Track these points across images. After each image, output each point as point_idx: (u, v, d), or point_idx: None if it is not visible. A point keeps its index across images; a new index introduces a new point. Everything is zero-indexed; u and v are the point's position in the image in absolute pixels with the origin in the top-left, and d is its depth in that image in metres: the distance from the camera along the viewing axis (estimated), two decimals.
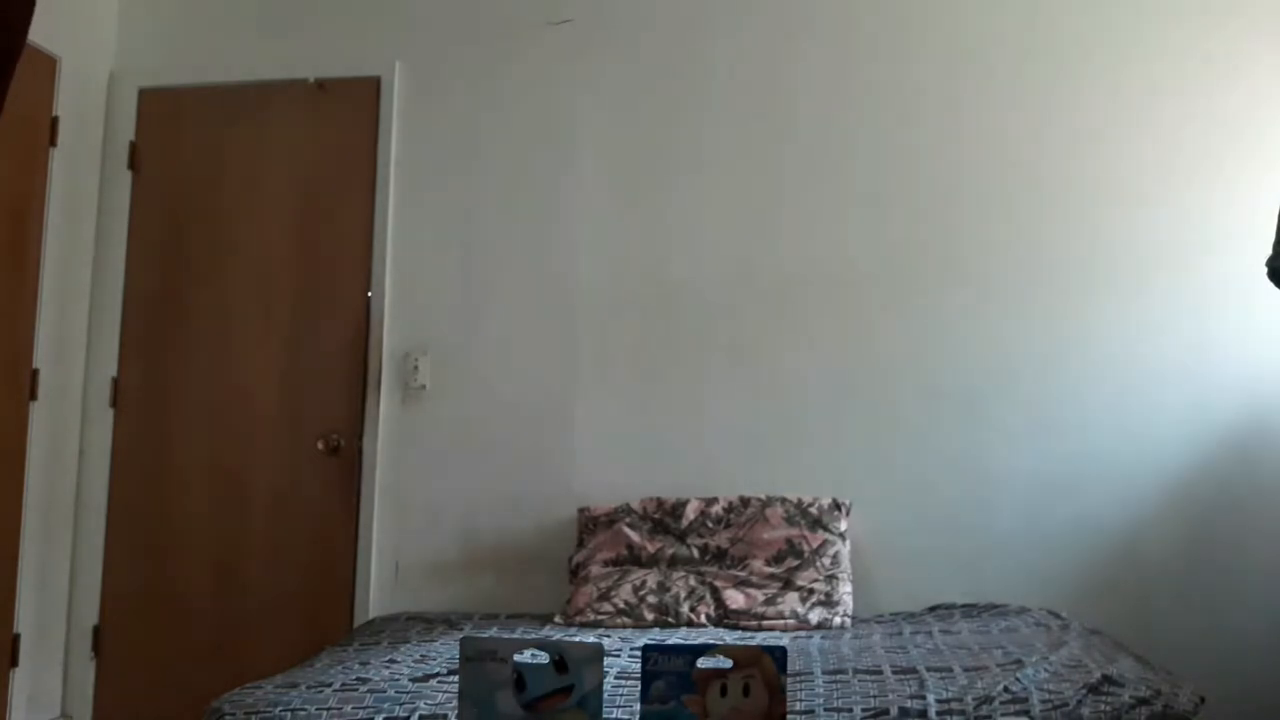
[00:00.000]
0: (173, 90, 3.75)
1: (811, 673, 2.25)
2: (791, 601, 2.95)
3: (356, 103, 3.64)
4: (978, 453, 3.25)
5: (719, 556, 3.13)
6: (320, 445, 3.50)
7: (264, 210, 3.64)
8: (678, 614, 2.95)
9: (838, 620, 2.91)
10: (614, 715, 1.98)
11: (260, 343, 3.58)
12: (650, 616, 2.96)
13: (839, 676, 2.22)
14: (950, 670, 2.24)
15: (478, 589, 3.38)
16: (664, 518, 3.23)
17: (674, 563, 3.13)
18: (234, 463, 3.54)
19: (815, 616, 2.92)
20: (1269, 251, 2.21)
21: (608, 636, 2.75)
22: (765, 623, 2.91)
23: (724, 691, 1.00)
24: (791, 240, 3.41)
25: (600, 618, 2.98)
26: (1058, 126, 3.34)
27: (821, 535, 3.11)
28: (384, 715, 2.04)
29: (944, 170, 3.37)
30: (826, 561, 3.05)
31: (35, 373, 3.42)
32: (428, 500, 3.45)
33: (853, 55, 3.46)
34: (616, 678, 2.18)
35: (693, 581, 3.06)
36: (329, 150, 3.64)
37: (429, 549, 3.43)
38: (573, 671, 0.99)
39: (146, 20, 3.79)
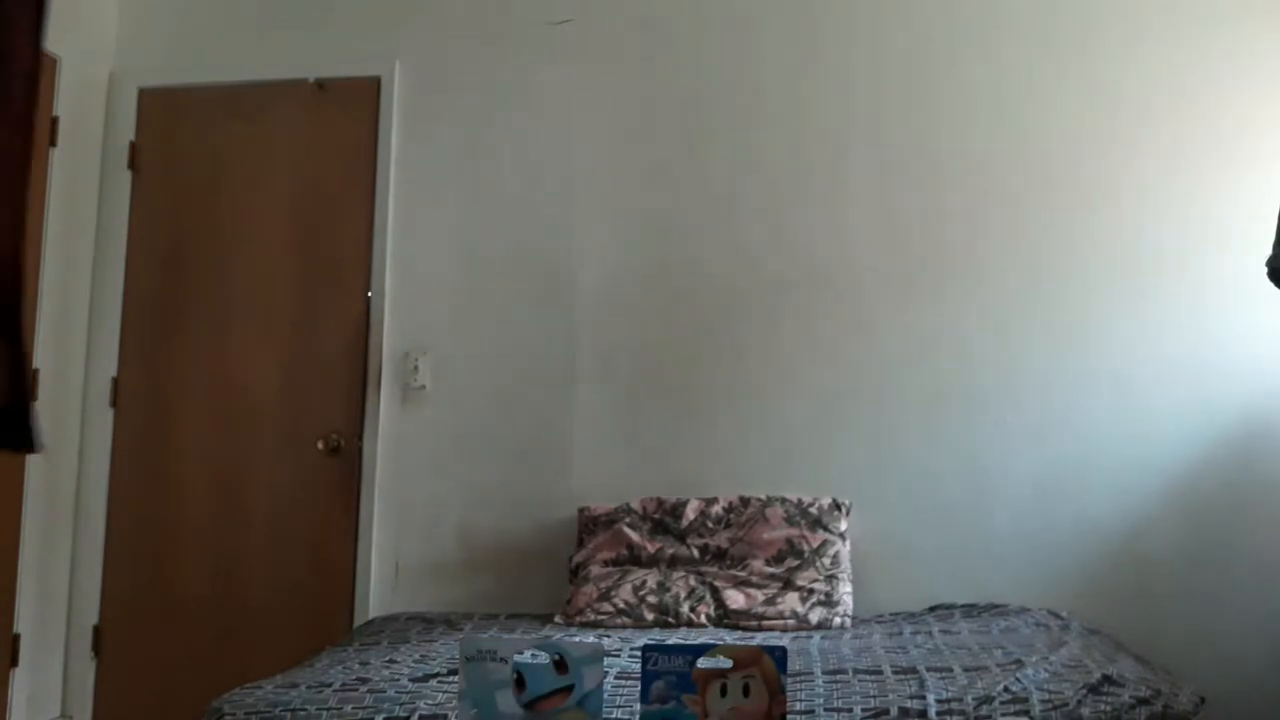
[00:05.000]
0: (173, 90, 3.75)
1: (811, 673, 2.25)
2: (791, 601, 2.95)
3: (356, 103, 3.64)
4: (978, 453, 3.25)
5: (719, 556, 3.13)
6: (320, 445, 3.50)
7: (264, 210, 3.64)
8: (678, 614, 2.95)
9: (838, 620, 2.91)
10: (614, 715, 1.98)
11: (260, 343, 3.58)
12: (650, 616, 2.96)
13: (839, 676, 2.22)
14: (950, 670, 2.24)
15: (478, 589, 3.38)
16: (664, 518, 3.22)
17: (674, 563, 3.13)
18: (234, 463, 3.54)
19: (815, 616, 2.92)
20: (1269, 252, 2.21)
21: (608, 636, 2.75)
22: (765, 623, 2.91)
23: (724, 691, 1.00)
24: (792, 241, 3.41)
25: (600, 618, 2.98)
26: (1058, 127, 3.33)
27: (821, 535, 3.11)
28: (384, 715, 2.04)
29: (944, 171, 3.37)
30: (826, 561, 3.05)
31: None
32: (428, 500, 3.45)
33: (855, 55, 3.46)
34: (616, 678, 2.18)
35: (693, 581, 3.06)
36: (329, 150, 3.63)
37: (429, 549, 3.43)
38: (573, 671, 0.99)
39: (146, 20, 3.79)
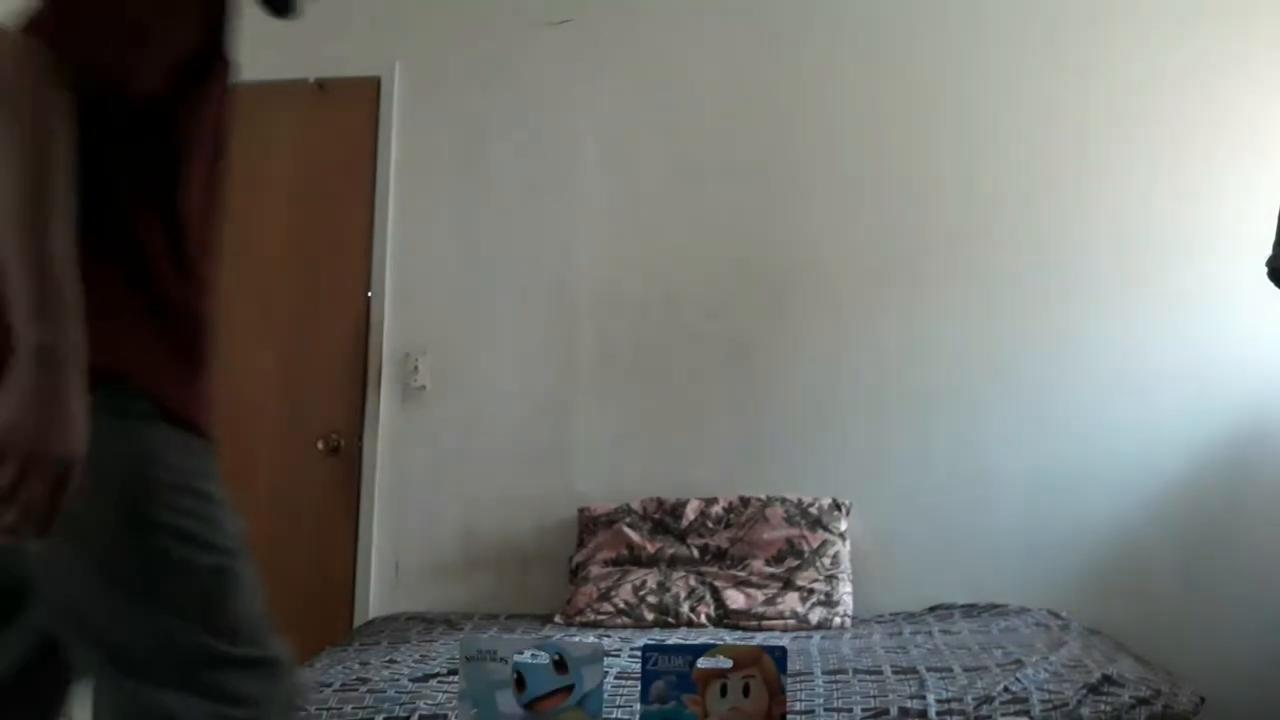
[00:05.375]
0: None
1: (811, 673, 2.26)
2: (791, 601, 2.95)
3: (356, 103, 3.63)
4: (977, 453, 3.24)
5: (719, 556, 3.13)
6: (320, 445, 3.50)
7: (263, 210, 3.63)
8: (678, 614, 2.95)
9: (838, 620, 2.92)
10: (614, 715, 1.98)
11: (260, 343, 3.57)
12: (650, 616, 2.96)
13: (839, 676, 2.22)
14: (950, 670, 2.24)
15: (478, 589, 3.38)
16: (664, 518, 3.22)
17: (674, 563, 3.13)
18: (234, 463, 3.51)
19: (815, 616, 2.92)
20: (1269, 251, 2.21)
21: (608, 636, 2.76)
22: (765, 623, 2.91)
23: (724, 691, 1.00)
24: (792, 240, 3.41)
25: (600, 618, 2.98)
26: (1058, 126, 3.33)
27: (821, 535, 3.11)
28: (384, 715, 2.04)
29: (943, 171, 3.37)
30: (826, 561, 3.05)
31: None
32: (428, 500, 3.45)
33: (854, 55, 3.46)
34: (616, 678, 2.18)
35: (693, 581, 3.06)
36: (329, 150, 3.63)
37: (429, 549, 3.43)
38: (573, 671, 0.99)
39: None
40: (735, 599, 2.98)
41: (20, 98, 1.05)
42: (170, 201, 1.28)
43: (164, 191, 1.26)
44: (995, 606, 3.02)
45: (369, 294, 3.55)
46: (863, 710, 2.02)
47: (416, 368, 3.49)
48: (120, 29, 1.13)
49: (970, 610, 3.02)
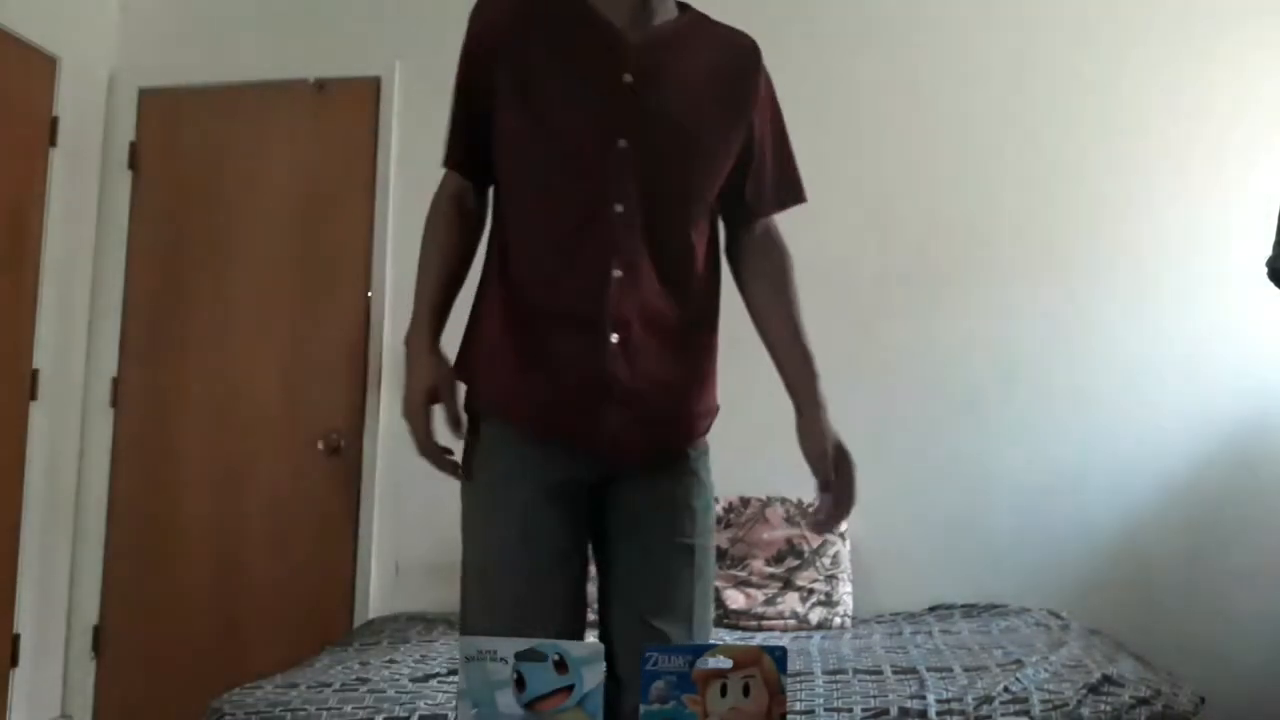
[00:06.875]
0: (173, 90, 3.74)
1: (811, 673, 2.26)
2: (791, 601, 2.95)
3: (356, 103, 3.63)
4: (978, 453, 3.24)
5: (719, 556, 3.13)
6: (320, 445, 3.50)
7: (264, 210, 3.63)
8: None
9: (838, 620, 2.92)
10: None
11: (260, 342, 3.58)
12: None
13: (839, 676, 2.22)
14: (950, 670, 2.24)
15: None
16: None
17: None
18: (234, 463, 3.54)
19: (815, 616, 2.92)
20: (1269, 251, 2.21)
21: None
22: (765, 623, 2.91)
23: (724, 691, 1.00)
24: (790, 239, 3.39)
25: None
26: (1059, 127, 3.33)
27: (821, 535, 3.11)
28: (384, 715, 2.04)
29: (945, 170, 3.37)
30: (826, 561, 3.05)
31: (35, 373, 3.42)
32: (428, 500, 3.42)
33: (856, 53, 3.46)
34: None
35: None
36: (329, 150, 3.63)
37: (429, 549, 3.42)
38: (573, 671, 0.99)
39: (146, 20, 3.79)
40: (735, 599, 2.98)
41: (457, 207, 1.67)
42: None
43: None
44: (995, 606, 3.02)
45: (369, 294, 3.55)
46: (863, 710, 2.02)
47: None
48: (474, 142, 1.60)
49: (970, 610, 3.02)
